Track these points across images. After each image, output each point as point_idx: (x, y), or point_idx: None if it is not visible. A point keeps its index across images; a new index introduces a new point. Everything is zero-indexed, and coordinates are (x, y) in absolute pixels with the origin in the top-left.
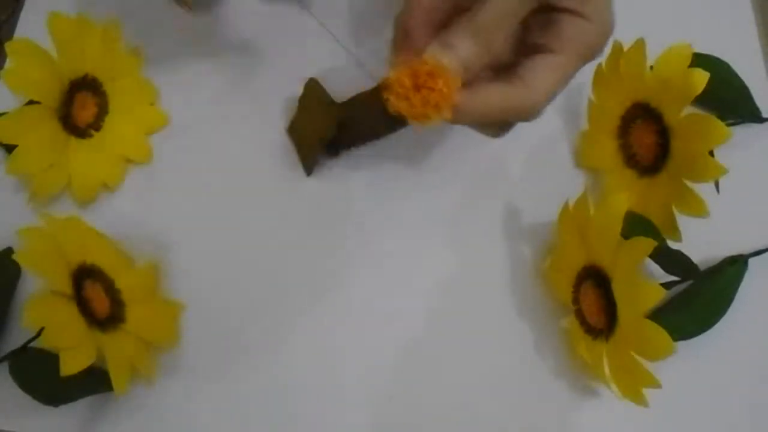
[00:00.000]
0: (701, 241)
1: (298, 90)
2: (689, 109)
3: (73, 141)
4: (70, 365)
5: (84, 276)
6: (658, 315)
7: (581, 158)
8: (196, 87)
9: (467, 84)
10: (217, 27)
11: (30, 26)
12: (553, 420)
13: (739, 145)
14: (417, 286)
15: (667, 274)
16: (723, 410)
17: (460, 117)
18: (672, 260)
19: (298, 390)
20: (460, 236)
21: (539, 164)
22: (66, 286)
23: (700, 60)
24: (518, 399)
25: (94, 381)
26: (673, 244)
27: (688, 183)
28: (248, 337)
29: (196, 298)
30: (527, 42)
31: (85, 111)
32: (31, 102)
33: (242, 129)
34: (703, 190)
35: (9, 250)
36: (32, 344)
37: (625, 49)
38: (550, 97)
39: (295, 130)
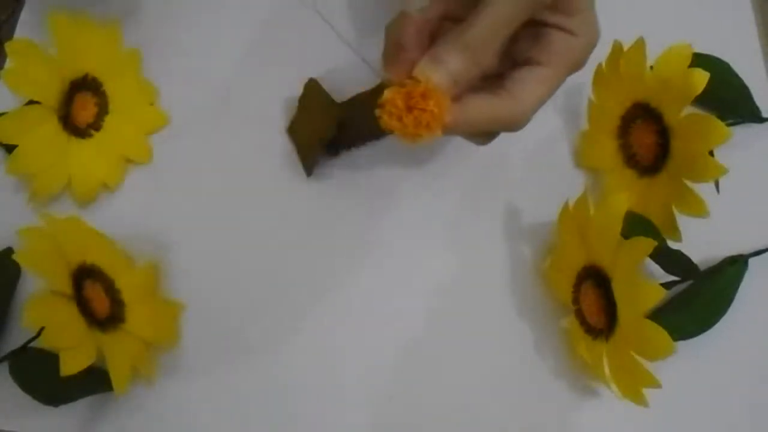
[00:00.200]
0: (701, 241)
1: (298, 90)
2: (689, 109)
3: (73, 141)
4: (70, 365)
5: (84, 276)
6: (658, 315)
7: (581, 158)
8: (196, 87)
9: (456, 97)
10: (217, 27)
11: (30, 26)
12: (553, 420)
13: (739, 145)
14: (417, 286)
15: (667, 274)
16: (723, 410)
17: (450, 130)
18: (672, 260)
19: (298, 390)
20: (460, 236)
21: (539, 164)
22: (66, 286)
23: (700, 60)
24: (518, 399)
25: (94, 381)
26: (673, 244)
27: (688, 183)
28: (248, 337)
29: (196, 298)
30: (515, 53)
31: (85, 111)
32: (31, 102)
33: (242, 129)
34: (703, 190)
35: (9, 250)
36: (32, 344)
37: (625, 49)
38: (535, 109)
39: (295, 130)
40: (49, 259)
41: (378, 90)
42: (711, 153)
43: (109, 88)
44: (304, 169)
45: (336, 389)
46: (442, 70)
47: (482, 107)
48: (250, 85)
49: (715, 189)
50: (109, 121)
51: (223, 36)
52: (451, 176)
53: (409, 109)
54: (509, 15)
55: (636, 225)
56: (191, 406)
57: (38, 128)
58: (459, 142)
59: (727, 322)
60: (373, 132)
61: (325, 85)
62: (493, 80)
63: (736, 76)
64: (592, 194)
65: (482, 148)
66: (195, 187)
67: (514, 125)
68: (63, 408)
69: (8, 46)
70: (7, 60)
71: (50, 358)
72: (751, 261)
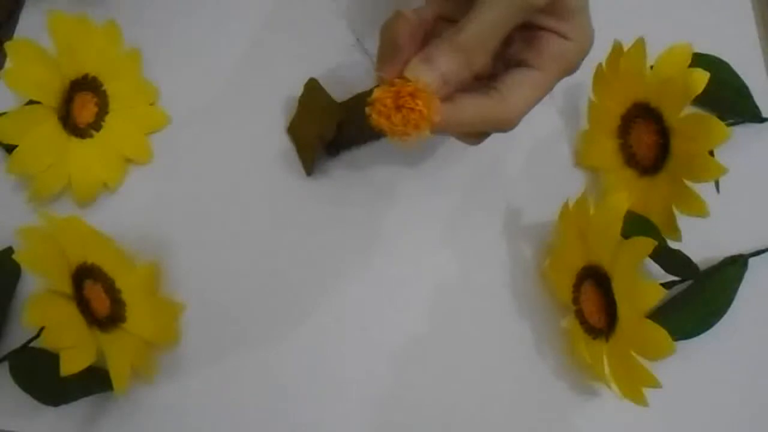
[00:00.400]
0: (701, 241)
1: (298, 90)
2: (689, 109)
3: (73, 141)
4: (70, 365)
5: (84, 276)
6: (658, 315)
7: (581, 158)
8: (196, 87)
9: (448, 97)
10: (217, 27)
11: (30, 26)
12: (553, 420)
13: (739, 145)
14: (417, 286)
15: (667, 274)
16: (723, 410)
17: (440, 130)
18: (672, 260)
19: (298, 390)
20: (460, 236)
21: (539, 164)
22: (66, 286)
23: (700, 60)
24: (518, 399)
25: (94, 381)
26: (673, 244)
27: (688, 183)
28: (248, 337)
29: (196, 298)
30: (508, 55)
31: (85, 111)
32: (31, 102)
33: (242, 129)
34: (703, 190)
35: (9, 250)
36: (32, 344)
37: (625, 49)
38: (526, 111)
39: (295, 130)
40: (49, 259)
41: None
42: (711, 153)
43: (109, 88)
44: (304, 168)
45: (336, 390)
46: (433, 70)
47: (473, 107)
48: (250, 85)
49: (715, 189)
50: (109, 121)
51: (223, 36)
52: (451, 176)
53: (398, 108)
54: (502, 18)
55: (636, 225)
56: (191, 406)
57: (38, 128)
58: (458, 143)
59: (727, 322)
60: (373, 132)
61: (325, 85)
62: (485, 81)
63: (736, 76)
64: (592, 194)
65: (482, 148)
66: (195, 187)
67: (504, 126)
68: (63, 408)
69: (8, 46)
70: (7, 60)
71: (50, 358)
72: (751, 261)
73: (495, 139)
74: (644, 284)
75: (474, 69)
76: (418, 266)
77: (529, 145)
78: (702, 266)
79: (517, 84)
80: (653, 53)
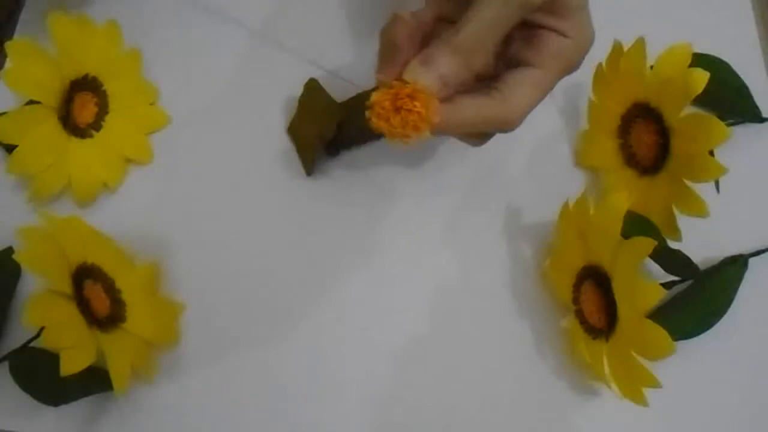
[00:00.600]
0: (701, 241)
1: (298, 90)
2: (689, 109)
3: (73, 141)
4: (70, 365)
5: (84, 276)
6: (658, 315)
7: (581, 158)
8: (196, 87)
9: (449, 98)
10: (217, 27)
11: (30, 26)
12: (553, 420)
13: (739, 145)
14: (417, 286)
15: (667, 274)
16: (723, 410)
17: (440, 131)
18: (672, 260)
19: (298, 390)
20: (460, 236)
21: (539, 164)
22: (66, 286)
23: (700, 60)
24: (518, 399)
25: (94, 381)
26: (673, 244)
27: (688, 183)
28: (248, 337)
29: (196, 298)
30: (508, 54)
31: (85, 111)
32: (31, 102)
33: (242, 129)
34: (703, 190)
35: (9, 250)
36: (32, 344)
37: (625, 49)
38: (528, 111)
39: (295, 130)
40: (49, 259)
41: None
42: (711, 153)
43: (109, 87)
44: (304, 168)
45: (336, 389)
46: (431, 72)
47: (474, 108)
48: (250, 85)
49: (715, 189)
50: (109, 121)
51: (223, 36)
52: (451, 176)
53: (396, 110)
54: (500, 17)
55: (636, 225)
56: (191, 406)
57: (38, 128)
58: (459, 143)
59: (727, 322)
60: (374, 132)
61: (325, 85)
62: (486, 81)
63: (736, 76)
64: (592, 194)
65: (482, 148)
66: (195, 187)
67: (506, 126)
68: (63, 408)
69: (8, 46)
70: (7, 60)
71: (50, 358)
72: (751, 261)
73: (495, 139)
74: (644, 284)
75: (474, 69)
76: (419, 266)
77: (529, 145)
78: (702, 266)
79: (518, 83)
80: (653, 53)
